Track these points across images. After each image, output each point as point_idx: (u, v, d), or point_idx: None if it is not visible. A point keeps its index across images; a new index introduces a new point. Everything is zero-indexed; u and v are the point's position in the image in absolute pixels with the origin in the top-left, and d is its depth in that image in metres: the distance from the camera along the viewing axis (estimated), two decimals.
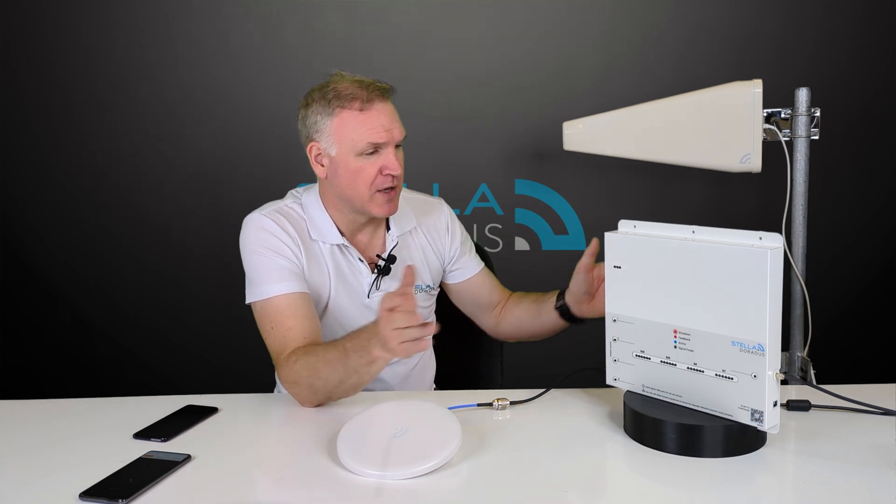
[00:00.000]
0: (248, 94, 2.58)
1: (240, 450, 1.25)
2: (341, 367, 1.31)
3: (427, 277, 1.66)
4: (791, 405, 1.31)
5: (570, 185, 2.64)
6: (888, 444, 1.16)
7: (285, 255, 1.50)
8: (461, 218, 2.60)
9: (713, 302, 1.15)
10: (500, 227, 2.67)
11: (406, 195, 1.68)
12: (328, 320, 1.56)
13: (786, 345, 2.20)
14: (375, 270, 1.58)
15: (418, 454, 1.11)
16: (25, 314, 2.72)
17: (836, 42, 2.52)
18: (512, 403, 1.37)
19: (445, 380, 1.80)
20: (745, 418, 1.13)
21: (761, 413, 1.12)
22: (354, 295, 1.58)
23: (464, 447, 1.15)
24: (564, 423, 1.31)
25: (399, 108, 2.66)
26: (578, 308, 1.52)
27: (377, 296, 1.59)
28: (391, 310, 1.20)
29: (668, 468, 1.12)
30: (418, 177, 2.59)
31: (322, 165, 1.52)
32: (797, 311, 2.15)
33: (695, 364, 1.19)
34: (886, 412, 1.26)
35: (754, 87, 2.00)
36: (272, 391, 1.73)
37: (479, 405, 1.36)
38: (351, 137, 1.46)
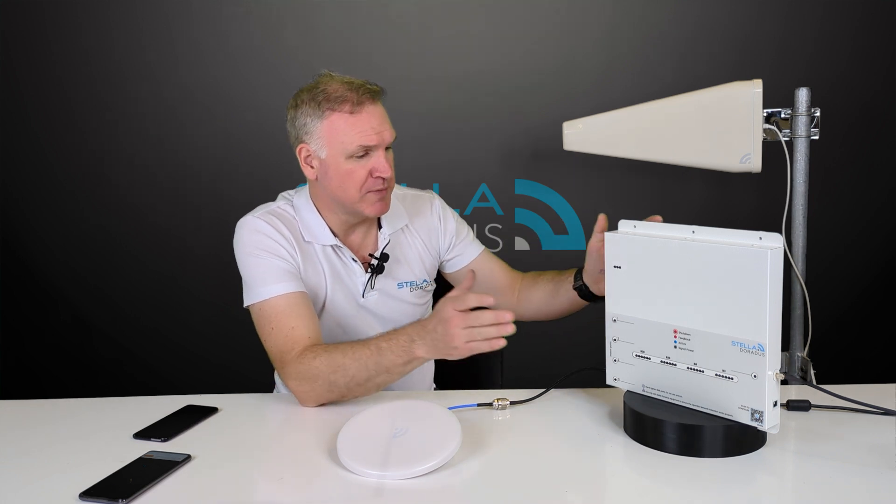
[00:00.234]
0: (248, 94, 2.58)
1: (240, 450, 1.25)
2: (373, 364, 1.32)
3: (422, 273, 1.66)
4: (791, 405, 1.31)
5: (570, 185, 2.64)
6: (888, 444, 1.16)
7: (281, 255, 1.50)
8: (461, 218, 2.62)
9: (713, 302, 1.15)
10: (500, 227, 2.67)
11: (396, 192, 1.68)
12: (325, 320, 1.56)
13: (786, 345, 2.20)
14: (369, 270, 1.58)
15: (418, 454, 1.12)
16: (25, 314, 2.72)
17: (836, 42, 2.52)
18: (512, 403, 1.37)
19: (445, 380, 1.80)
20: (745, 418, 1.13)
21: (761, 413, 1.12)
22: (350, 295, 1.58)
23: (464, 447, 1.16)
24: (564, 423, 1.31)
25: (399, 108, 2.65)
26: (597, 287, 1.51)
27: (371, 295, 1.59)
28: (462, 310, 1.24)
29: (668, 468, 1.12)
30: (418, 177, 2.59)
31: (312, 167, 1.52)
32: (797, 311, 2.15)
33: (695, 364, 1.19)
34: (886, 412, 1.26)
35: (754, 87, 2.00)
36: (272, 391, 1.73)
37: (479, 405, 1.37)
38: (341, 140, 1.46)
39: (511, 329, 1.24)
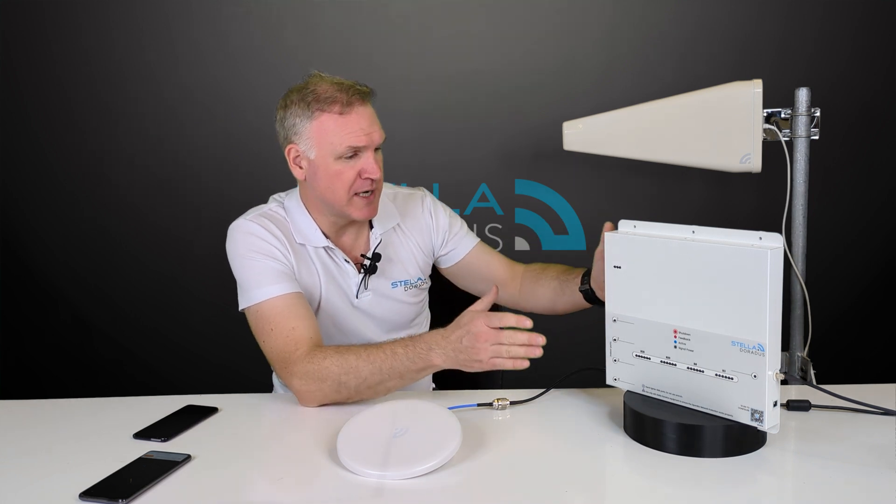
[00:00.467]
0: (248, 94, 2.58)
1: (240, 450, 1.25)
2: (387, 368, 1.33)
3: (415, 271, 1.66)
4: (791, 405, 1.31)
5: (570, 185, 2.64)
6: (888, 444, 1.16)
7: (275, 257, 1.49)
8: (461, 218, 2.62)
9: (713, 302, 1.15)
10: (500, 227, 2.67)
11: (388, 190, 1.68)
12: (321, 321, 1.56)
13: (786, 345, 2.20)
14: (362, 270, 1.58)
15: (418, 454, 1.12)
16: (25, 314, 2.72)
17: (836, 42, 2.52)
18: (512, 403, 1.37)
19: (445, 380, 1.80)
20: (745, 418, 1.14)
21: (761, 413, 1.12)
22: (344, 296, 1.59)
23: (464, 447, 1.16)
24: (564, 423, 1.31)
25: (399, 108, 2.67)
26: (603, 293, 1.48)
27: (366, 296, 1.59)
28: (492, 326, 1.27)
29: (668, 468, 1.12)
30: (419, 177, 2.59)
31: (300, 168, 1.52)
32: (797, 311, 2.15)
33: (695, 364, 1.19)
34: (886, 412, 1.26)
35: (754, 87, 2.00)
36: (271, 392, 1.73)
37: (479, 405, 1.37)
38: (330, 141, 1.46)
39: (539, 353, 1.27)
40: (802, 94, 2.06)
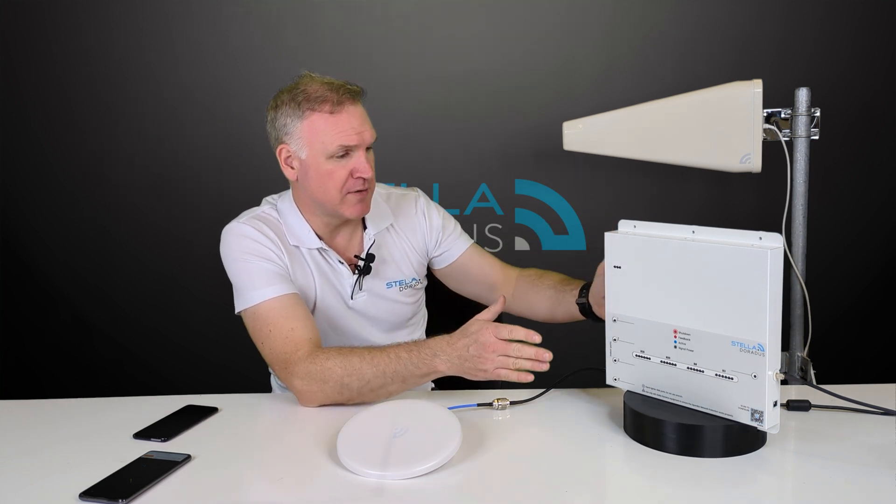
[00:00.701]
0: (248, 94, 2.58)
1: (240, 450, 1.25)
2: (391, 372, 1.33)
3: (410, 271, 1.66)
4: (791, 405, 1.31)
5: (570, 185, 2.64)
6: (888, 444, 1.16)
7: (270, 258, 1.49)
8: (461, 218, 2.63)
9: (713, 302, 1.15)
10: (500, 227, 2.67)
11: (381, 191, 1.68)
12: (317, 322, 1.55)
13: (786, 345, 2.20)
14: (356, 271, 1.58)
15: (418, 454, 1.12)
16: (25, 314, 2.72)
17: (836, 42, 2.52)
18: (512, 403, 1.37)
19: (445, 380, 1.80)
20: (745, 418, 1.13)
21: (761, 413, 1.12)
22: (339, 297, 1.58)
23: (464, 447, 1.16)
24: (564, 422, 1.31)
25: (399, 108, 2.67)
26: (599, 309, 1.48)
27: (360, 297, 1.59)
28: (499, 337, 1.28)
29: (668, 468, 1.12)
30: (419, 177, 2.59)
31: (292, 168, 1.51)
32: (797, 311, 2.15)
33: (695, 364, 1.19)
34: (886, 412, 1.26)
35: (754, 87, 2.00)
36: (271, 392, 1.73)
37: (479, 405, 1.37)
38: (321, 140, 1.46)
39: (546, 368, 1.28)
40: (802, 94, 2.06)
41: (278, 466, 1.19)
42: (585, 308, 1.52)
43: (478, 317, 1.34)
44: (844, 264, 2.63)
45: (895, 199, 2.60)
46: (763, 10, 2.52)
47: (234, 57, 2.58)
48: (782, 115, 2.09)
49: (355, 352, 1.37)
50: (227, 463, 1.19)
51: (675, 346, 1.21)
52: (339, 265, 1.57)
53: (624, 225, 1.30)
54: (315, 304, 1.56)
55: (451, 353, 1.32)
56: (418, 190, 1.73)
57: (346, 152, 1.47)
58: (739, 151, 2.02)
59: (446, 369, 1.32)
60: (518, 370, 1.28)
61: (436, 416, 1.21)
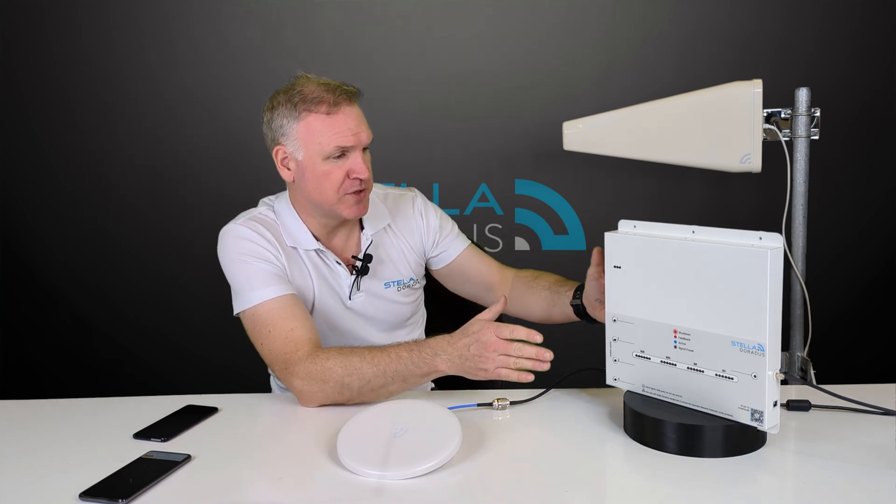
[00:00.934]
0: (248, 94, 2.58)
1: (240, 450, 1.25)
2: (391, 371, 1.33)
3: (407, 271, 1.66)
4: (791, 405, 1.31)
5: (570, 185, 2.64)
6: (888, 444, 1.16)
7: (268, 259, 1.49)
8: (461, 218, 2.63)
9: (713, 302, 1.15)
10: (500, 227, 2.67)
11: (378, 191, 1.68)
12: (316, 323, 1.55)
13: (786, 345, 2.20)
14: (353, 272, 1.58)
15: (418, 454, 1.12)
16: (25, 314, 2.72)
17: (836, 42, 2.52)
18: (512, 403, 1.37)
19: (445, 379, 1.80)
20: (745, 418, 1.14)
21: (761, 413, 1.12)
22: (337, 297, 1.58)
23: (464, 447, 1.16)
24: (564, 422, 1.31)
25: (399, 108, 2.66)
26: (593, 311, 1.48)
27: (358, 297, 1.59)
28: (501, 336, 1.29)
29: (668, 468, 1.12)
30: (419, 177, 2.59)
31: (288, 169, 1.51)
32: (797, 311, 2.15)
33: (695, 364, 1.19)
34: (886, 412, 1.26)
35: (754, 87, 2.00)
36: (271, 392, 1.73)
37: (479, 405, 1.37)
38: (318, 141, 1.46)
39: (546, 367, 1.29)
40: (802, 94, 2.07)
41: (278, 466, 1.19)
42: (580, 310, 1.52)
43: (479, 316, 1.34)
44: (844, 264, 2.62)
45: (895, 199, 2.60)
46: (763, 10, 2.52)
47: (234, 57, 2.58)
48: (782, 115, 2.09)
49: (356, 351, 1.36)
50: (227, 463, 1.19)
51: (675, 346, 1.21)
52: (337, 266, 1.57)
53: (624, 225, 1.30)
54: (313, 304, 1.56)
55: (451, 352, 1.32)
56: (415, 190, 1.73)
57: (342, 153, 1.47)
58: (739, 151, 2.02)
59: (447, 368, 1.32)
60: (519, 370, 1.29)
61: (436, 416, 1.21)
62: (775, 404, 1.13)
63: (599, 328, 1.41)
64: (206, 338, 2.68)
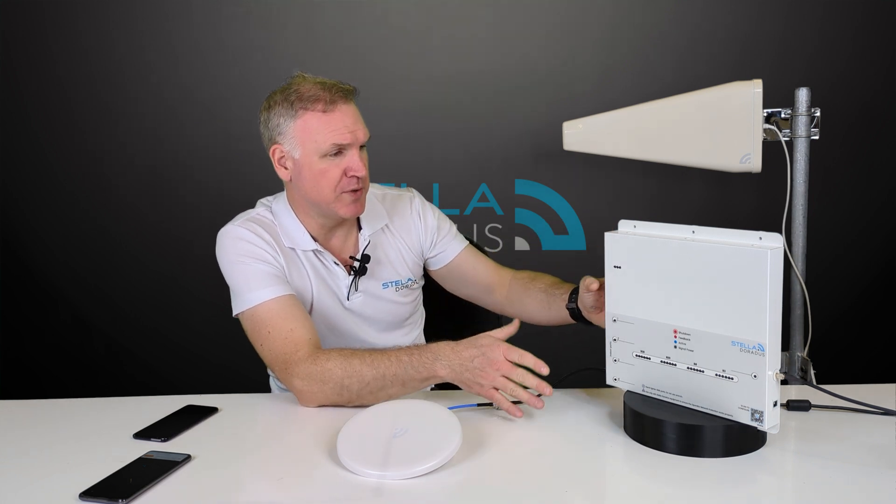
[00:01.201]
0: (248, 94, 2.58)
1: (240, 450, 1.25)
2: (391, 374, 1.33)
3: (405, 272, 1.66)
4: (791, 405, 1.31)
5: (570, 185, 2.64)
6: (888, 444, 1.16)
7: (266, 260, 1.49)
8: (461, 218, 2.63)
9: (713, 302, 1.15)
10: (500, 227, 2.67)
11: (376, 191, 1.67)
12: (315, 323, 1.54)
13: (786, 345, 2.20)
14: (351, 272, 1.58)
15: (418, 454, 1.11)
16: (25, 314, 2.72)
17: (836, 42, 2.52)
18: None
19: None
20: (745, 418, 1.13)
21: (761, 413, 1.12)
22: (335, 298, 1.58)
23: (464, 447, 1.15)
24: (564, 423, 1.31)
25: (399, 108, 2.66)
26: (589, 315, 1.48)
27: (357, 297, 1.59)
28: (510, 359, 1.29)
29: (668, 468, 1.12)
30: (418, 177, 2.59)
31: (286, 168, 1.51)
32: (797, 311, 2.15)
33: (695, 364, 1.19)
34: (886, 412, 1.26)
35: (754, 87, 2.00)
36: (270, 392, 1.73)
37: (479, 405, 1.36)
38: (314, 139, 1.46)
39: (541, 405, 1.29)
40: (802, 94, 2.07)
41: (278, 466, 1.19)
42: (576, 313, 1.52)
43: (491, 333, 1.34)
44: (844, 264, 2.63)
45: (895, 199, 2.60)
46: (763, 10, 2.52)
47: (234, 57, 2.58)
48: (782, 115, 2.09)
49: (356, 354, 1.36)
50: (227, 463, 1.19)
51: (675, 346, 1.21)
52: (335, 266, 1.57)
53: (624, 225, 1.30)
54: (312, 305, 1.56)
55: (453, 359, 1.32)
56: (413, 190, 1.73)
57: (339, 151, 1.47)
58: (739, 151, 2.02)
59: (445, 374, 1.32)
60: (512, 400, 1.29)
61: (436, 416, 1.21)
62: (775, 404, 1.13)
63: (598, 328, 1.41)
64: (206, 338, 2.68)
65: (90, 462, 1.16)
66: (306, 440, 1.25)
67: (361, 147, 1.51)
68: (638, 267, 1.25)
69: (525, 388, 1.29)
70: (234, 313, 1.49)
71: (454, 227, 1.74)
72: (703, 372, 1.18)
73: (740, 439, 1.15)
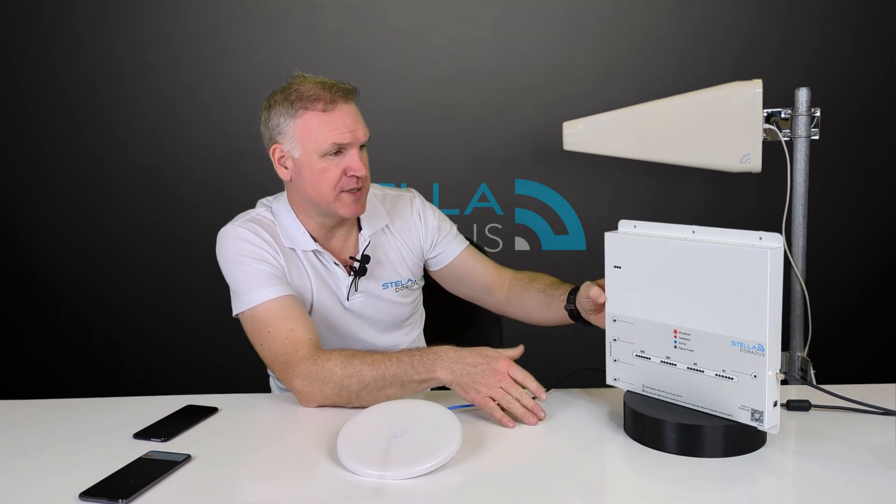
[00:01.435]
0: (248, 95, 2.58)
1: (240, 450, 1.25)
2: (390, 375, 1.33)
3: (405, 272, 1.66)
4: (791, 405, 1.31)
5: (570, 185, 2.64)
6: (888, 444, 1.16)
7: (266, 260, 1.49)
8: (461, 218, 2.63)
9: (713, 302, 1.15)
10: (500, 227, 2.67)
11: (377, 192, 1.67)
12: (315, 323, 1.54)
13: (786, 345, 2.20)
14: (351, 272, 1.58)
15: (418, 454, 1.12)
16: (25, 314, 2.72)
17: (836, 42, 2.52)
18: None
19: None
20: (745, 418, 1.13)
21: (761, 413, 1.12)
22: (335, 298, 1.58)
23: (464, 447, 1.15)
24: (564, 423, 1.31)
25: (399, 108, 2.66)
26: (587, 316, 1.48)
27: (357, 298, 1.59)
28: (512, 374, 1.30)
29: (668, 468, 1.12)
30: (418, 177, 2.59)
31: (286, 168, 1.51)
32: (797, 311, 2.15)
33: (695, 364, 1.19)
34: (886, 412, 1.26)
35: (754, 87, 2.00)
36: (270, 392, 1.73)
37: None
38: (314, 138, 1.46)
39: (535, 423, 1.29)
40: (802, 94, 2.07)
41: (278, 466, 1.19)
42: (574, 314, 1.52)
43: (499, 350, 1.35)
44: (844, 264, 2.63)
45: (895, 199, 2.60)
46: (763, 10, 2.52)
47: (234, 57, 2.58)
48: (782, 115, 2.09)
49: (357, 354, 1.37)
50: (227, 463, 1.19)
51: (675, 346, 1.21)
52: (335, 267, 1.57)
53: (624, 225, 1.30)
54: (311, 305, 1.56)
55: (455, 361, 1.32)
56: (414, 191, 1.73)
57: (339, 150, 1.47)
58: (739, 151, 2.02)
59: (444, 376, 1.32)
60: (505, 413, 1.29)
61: (436, 416, 1.21)
62: (775, 404, 1.13)
63: (597, 328, 1.41)
64: (206, 338, 2.68)
65: (90, 462, 1.16)
66: (306, 440, 1.25)
67: (362, 147, 1.51)
68: (638, 267, 1.25)
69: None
70: (235, 313, 1.49)
71: (454, 228, 1.74)
72: (703, 372, 1.18)
73: (740, 439, 1.15)
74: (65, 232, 2.68)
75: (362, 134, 1.49)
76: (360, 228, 1.62)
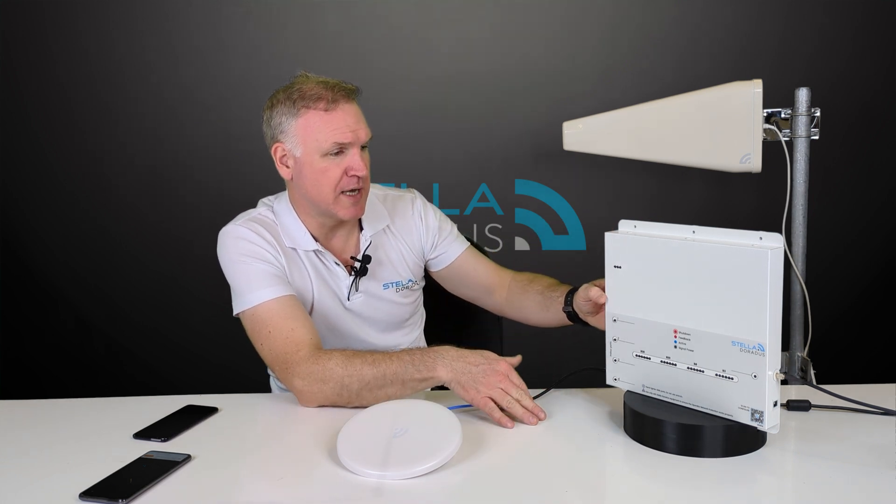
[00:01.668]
0: (249, 95, 2.58)
1: (240, 450, 1.25)
2: (390, 373, 1.33)
3: (406, 273, 1.66)
4: (791, 405, 1.31)
5: (570, 185, 2.64)
6: (888, 444, 1.16)
7: (267, 260, 1.49)
8: (461, 218, 2.63)
9: (713, 302, 1.15)
10: (500, 227, 2.67)
11: (378, 192, 1.67)
12: (315, 323, 1.54)
13: (786, 345, 2.20)
14: (352, 272, 1.58)
15: (418, 454, 1.12)
16: (25, 314, 2.72)
17: (836, 42, 2.52)
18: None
19: None
20: (745, 418, 1.13)
21: (761, 413, 1.12)
22: (336, 298, 1.58)
23: (464, 447, 1.15)
24: (564, 423, 1.31)
25: (399, 108, 2.66)
26: (585, 317, 1.48)
27: (357, 298, 1.59)
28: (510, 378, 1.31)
29: (668, 468, 1.12)
30: (418, 177, 2.59)
31: (287, 167, 1.51)
32: (797, 311, 2.15)
33: (695, 364, 1.19)
34: (886, 412, 1.26)
35: (754, 87, 2.00)
36: (270, 392, 1.73)
37: None
38: (316, 137, 1.46)
39: (534, 423, 1.29)
40: (802, 94, 2.07)
41: (278, 466, 1.19)
42: (573, 315, 1.52)
43: (503, 357, 1.35)
44: (844, 264, 2.63)
45: (895, 199, 2.60)
46: (763, 10, 2.52)
47: (234, 57, 2.58)
48: (782, 115, 2.09)
49: (358, 354, 1.37)
50: (227, 463, 1.19)
51: (675, 346, 1.21)
52: (336, 267, 1.57)
53: (624, 225, 1.30)
54: (312, 305, 1.56)
55: (456, 359, 1.32)
56: (415, 191, 1.73)
57: (340, 150, 1.47)
58: (739, 151, 2.02)
59: (444, 375, 1.32)
60: (503, 413, 1.29)
61: (436, 416, 1.21)
62: (775, 404, 1.13)
63: (596, 329, 1.41)
64: (206, 338, 2.68)
65: (90, 462, 1.16)
66: (306, 440, 1.25)
67: (363, 147, 1.51)
68: (638, 267, 1.25)
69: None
70: (235, 313, 1.49)
71: (455, 229, 1.74)
72: (703, 372, 1.18)
73: (740, 439, 1.15)
74: (65, 232, 2.68)
75: (364, 134, 1.49)
76: (361, 228, 1.62)
